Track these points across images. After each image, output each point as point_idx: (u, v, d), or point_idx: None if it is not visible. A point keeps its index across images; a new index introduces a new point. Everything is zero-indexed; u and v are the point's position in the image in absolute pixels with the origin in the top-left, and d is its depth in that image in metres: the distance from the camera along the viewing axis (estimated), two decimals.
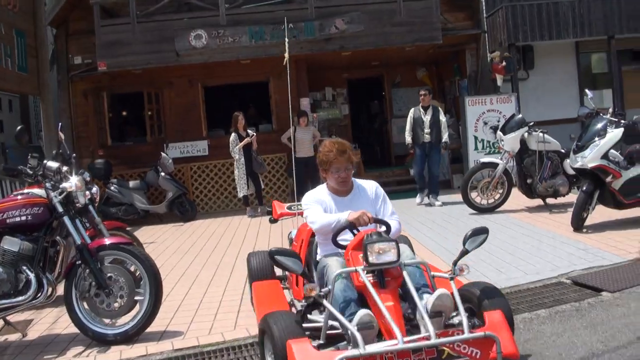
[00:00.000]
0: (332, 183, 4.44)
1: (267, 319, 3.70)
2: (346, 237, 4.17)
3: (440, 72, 16.56)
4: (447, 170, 13.77)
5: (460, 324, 3.54)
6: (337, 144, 4.40)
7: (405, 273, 3.79)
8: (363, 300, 3.77)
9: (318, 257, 4.46)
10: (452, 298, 3.67)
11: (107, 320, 5.18)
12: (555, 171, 9.55)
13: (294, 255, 3.96)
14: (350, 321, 3.53)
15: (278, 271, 5.24)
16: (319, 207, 4.37)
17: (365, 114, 18.57)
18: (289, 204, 6.03)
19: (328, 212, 4.38)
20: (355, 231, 4.11)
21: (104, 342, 5.07)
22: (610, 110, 8.48)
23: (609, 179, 7.75)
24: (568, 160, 8.70)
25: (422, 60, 15.92)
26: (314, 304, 4.05)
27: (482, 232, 4.02)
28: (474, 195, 10.07)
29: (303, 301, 4.18)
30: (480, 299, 3.83)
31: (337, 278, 3.78)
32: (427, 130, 11.14)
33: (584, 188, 7.93)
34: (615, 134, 7.84)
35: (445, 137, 11.21)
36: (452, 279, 3.85)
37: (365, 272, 3.75)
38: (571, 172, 8.88)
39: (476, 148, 13.16)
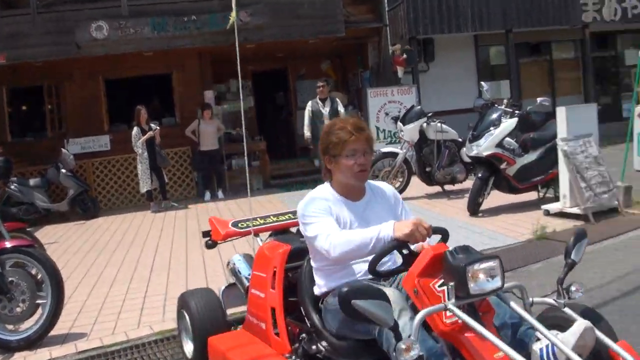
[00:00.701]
0: (345, 176, 3.11)
1: None
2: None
3: (344, 64, 16.80)
4: None
5: None
6: (351, 119, 3.22)
7: (513, 303, 2.76)
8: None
9: (321, 291, 3.17)
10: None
11: (9, 326, 5.04)
12: (452, 159, 9.91)
13: (380, 297, 2.47)
14: None
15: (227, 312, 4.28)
16: (331, 220, 3.03)
17: (271, 106, 18.61)
18: (234, 221, 4.52)
19: (342, 226, 3.06)
20: (404, 251, 2.91)
21: (7, 349, 4.93)
22: (505, 101, 8.88)
23: (503, 165, 8.19)
24: (465, 149, 9.06)
25: (327, 53, 16.10)
26: (307, 358, 3.16)
27: (583, 236, 2.97)
28: None
29: (293, 357, 3.24)
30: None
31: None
32: (326, 122, 11.26)
33: (480, 175, 8.34)
34: (509, 123, 8.26)
35: None
36: (565, 305, 2.79)
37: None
38: (468, 160, 9.23)
39: (378, 138, 13.40)
